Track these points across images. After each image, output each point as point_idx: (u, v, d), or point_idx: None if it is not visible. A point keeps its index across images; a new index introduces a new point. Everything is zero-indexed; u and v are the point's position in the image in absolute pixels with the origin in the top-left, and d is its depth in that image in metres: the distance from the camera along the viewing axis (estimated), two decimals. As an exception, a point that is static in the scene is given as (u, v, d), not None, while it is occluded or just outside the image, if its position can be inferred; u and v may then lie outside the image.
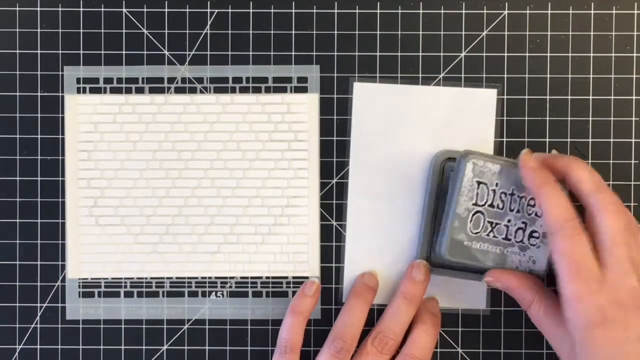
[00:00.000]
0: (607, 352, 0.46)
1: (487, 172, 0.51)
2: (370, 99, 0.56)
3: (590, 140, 0.57)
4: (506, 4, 0.56)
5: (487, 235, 0.52)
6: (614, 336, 0.46)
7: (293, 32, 0.57)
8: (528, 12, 0.56)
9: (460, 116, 0.56)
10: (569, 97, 0.56)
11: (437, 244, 0.53)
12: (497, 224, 0.52)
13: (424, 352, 0.54)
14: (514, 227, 0.52)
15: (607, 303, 0.46)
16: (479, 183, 0.51)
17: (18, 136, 0.57)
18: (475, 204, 0.51)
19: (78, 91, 0.57)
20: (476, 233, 0.52)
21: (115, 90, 0.57)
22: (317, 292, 0.56)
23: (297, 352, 0.54)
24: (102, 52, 0.57)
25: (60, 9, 0.57)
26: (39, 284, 0.57)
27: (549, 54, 0.56)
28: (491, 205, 0.52)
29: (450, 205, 0.51)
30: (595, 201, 0.48)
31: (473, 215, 0.51)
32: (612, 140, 0.57)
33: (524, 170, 0.50)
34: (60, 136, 0.57)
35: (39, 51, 0.57)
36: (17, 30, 0.57)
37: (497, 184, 0.52)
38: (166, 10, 0.57)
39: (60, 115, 0.57)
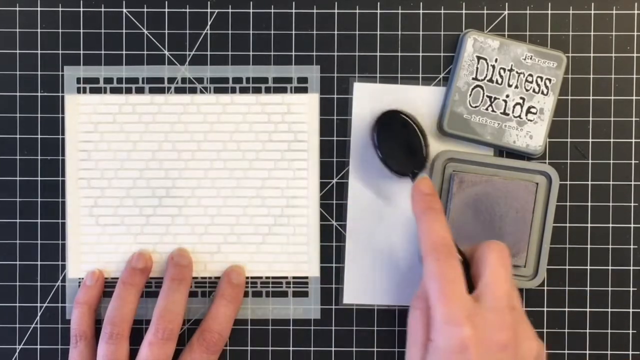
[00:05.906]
0: None
1: (487, 48, 0.53)
2: (370, 99, 0.56)
3: (590, 140, 0.57)
4: (506, 4, 0.56)
5: (486, 109, 0.53)
6: None
7: (293, 32, 0.57)
8: (528, 12, 0.56)
9: (460, 116, 0.56)
10: (569, 97, 0.56)
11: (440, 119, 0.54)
12: (495, 98, 0.53)
13: (223, 326, 0.54)
14: (512, 102, 0.53)
15: (471, 335, 0.45)
16: (478, 58, 0.53)
17: (18, 136, 0.57)
18: (475, 79, 0.53)
19: (78, 91, 0.57)
20: (475, 107, 0.53)
21: (115, 90, 0.57)
22: (99, 281, 0.55)
23: (88, 340, 0.54)
24: (102, 52, 0.57)
25: (60, 9, 0.57)
26: (39, 284, 0.57)
27: (549, 54, 0.57)
28: (490, 80, 0.53)
29: (452, 80, 0.53)
30: (482, 246, 0.49)
31: (473, 89, 0.53)
32: (612, 140, 0.57)
33: (415, 192, 0.51)
34: (60, 136, 0.57)
35: (39, 51, 0.57)
36: (17, 30, 0.57)
37: (496, 60, 0.53)
38: (166, 10, 0.57)
39: (60, 115, 0.57)
